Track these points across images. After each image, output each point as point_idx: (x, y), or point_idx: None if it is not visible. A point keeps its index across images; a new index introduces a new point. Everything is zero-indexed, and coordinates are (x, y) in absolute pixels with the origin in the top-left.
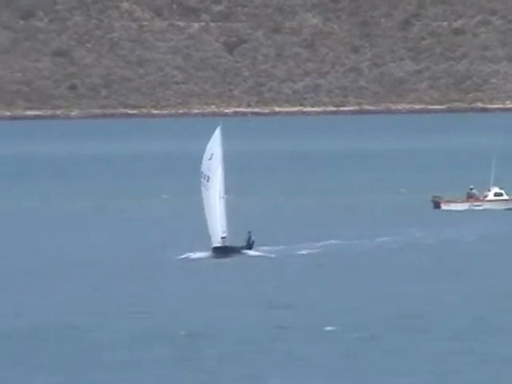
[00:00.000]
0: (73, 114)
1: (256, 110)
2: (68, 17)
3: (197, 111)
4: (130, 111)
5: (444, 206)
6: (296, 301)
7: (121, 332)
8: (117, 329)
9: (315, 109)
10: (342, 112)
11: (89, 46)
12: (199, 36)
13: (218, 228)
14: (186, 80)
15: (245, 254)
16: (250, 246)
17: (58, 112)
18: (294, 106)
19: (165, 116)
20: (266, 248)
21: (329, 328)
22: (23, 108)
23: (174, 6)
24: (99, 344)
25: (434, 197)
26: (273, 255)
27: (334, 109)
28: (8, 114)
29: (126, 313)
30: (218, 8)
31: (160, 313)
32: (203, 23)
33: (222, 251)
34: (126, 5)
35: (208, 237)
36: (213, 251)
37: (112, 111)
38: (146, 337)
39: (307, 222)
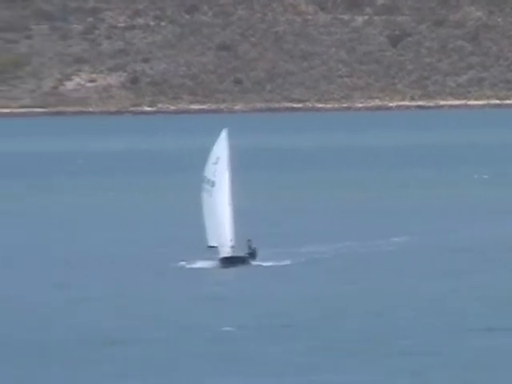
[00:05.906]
0: (237, 108)
1: (420, 103)
2: (232, 11)
3: (360, 105)
4: (294, 105)
5: None
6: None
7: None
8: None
9: (479, 102)
10: (506, 105)
11: (253, 40)
12: (363, 29)
13: (228, 237)
14: (349, 74)
15: (251, 263)
16: (253, 255)
17: (222, 106)
18: (458, 99)
19: (329, 110)
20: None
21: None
22: (188, 102)
23: (338, 0)
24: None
25: None
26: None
27: (498, 102)
28: (172, 107)
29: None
30: (382, 1)
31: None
32: (367, 17)
33: (231, 261)
34: None
35: (206, 244)
36: (221, 261)
37: (276, 105)
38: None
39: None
